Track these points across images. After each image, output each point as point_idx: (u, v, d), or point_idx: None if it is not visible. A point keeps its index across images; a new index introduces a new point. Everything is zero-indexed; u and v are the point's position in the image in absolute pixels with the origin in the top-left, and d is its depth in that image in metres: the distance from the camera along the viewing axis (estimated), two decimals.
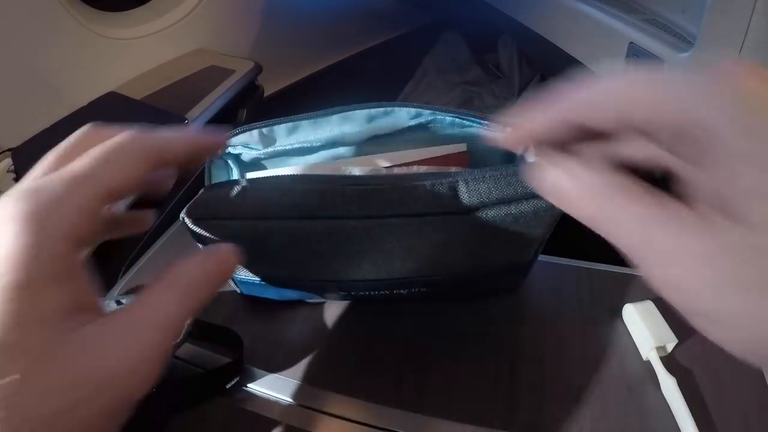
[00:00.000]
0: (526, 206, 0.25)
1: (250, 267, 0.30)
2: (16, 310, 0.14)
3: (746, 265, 0.12)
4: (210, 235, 0.25)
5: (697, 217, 0.13)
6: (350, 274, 0.29)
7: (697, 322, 0.14)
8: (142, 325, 0.17)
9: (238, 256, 0.22)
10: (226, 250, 0.21)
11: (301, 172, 0.32)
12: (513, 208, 0.25)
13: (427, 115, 0.33)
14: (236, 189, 0.24)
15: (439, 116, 0.32)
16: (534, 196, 0.25)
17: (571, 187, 0.15)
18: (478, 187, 0.25)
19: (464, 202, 0.24)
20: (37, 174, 0.18)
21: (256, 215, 0.24)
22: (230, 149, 0.34)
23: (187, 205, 0.24)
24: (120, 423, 0.17)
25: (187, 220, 0.25)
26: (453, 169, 0.32)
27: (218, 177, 0.33)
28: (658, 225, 0.13)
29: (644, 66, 0.15)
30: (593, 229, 0.15)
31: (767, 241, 0.12)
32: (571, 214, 0.16)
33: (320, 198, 0.23)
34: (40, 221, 0.16)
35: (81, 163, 0.17)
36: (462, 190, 0.24)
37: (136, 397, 0.17)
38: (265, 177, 0.25)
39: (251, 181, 0.24)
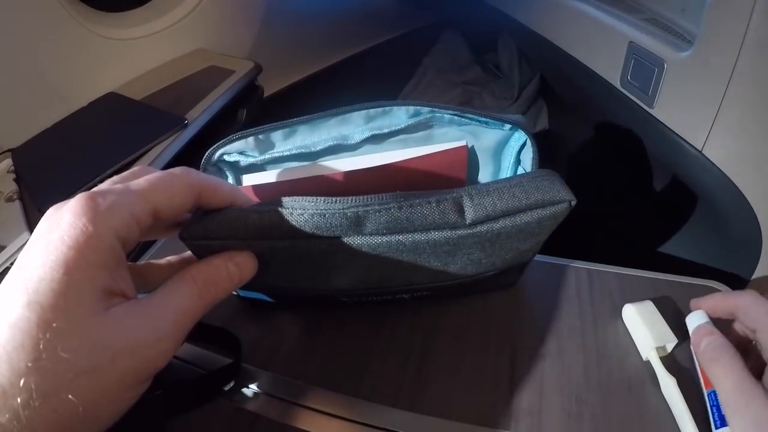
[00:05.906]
0: (530, 217, 0.25)
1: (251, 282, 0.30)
2: (66, 282, 0.17)
3: None
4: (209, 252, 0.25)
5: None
6: (355, 284, 0.29)
7: None
8: (163, 308, 0.20)
9: (255, 261, 0.24)
10: (245, 255, 0.24)
11: (298, 176, 0.32)
12: (517, 219, 0.25)
13: (425, 113, 0.32)
14: (235, 213, 0.23)
15: (438, 114, 0.32)
16: (537, 206, 0.25)
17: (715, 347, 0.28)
18: (483, 201, 0.25)
19: (469, 216, 0.24)
20: (105, 184, 0.21)
21: (257, 236, 0.24)
22: (225, 157, 0.33)
23: (183, 228, 0.24)
24: (135, 396, 0.20)
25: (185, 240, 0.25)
26: (452, 165, 0.32)
27: None
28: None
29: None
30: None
31: None
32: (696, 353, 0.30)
33: (323, 220, 0.23)
34: (98, 217, 0.19)
35: (140, 182, 0.21)
36: (467, 205, 0.25)
37: (151, 370, 0.20)
38: (266, 203, 0.24)
39: (252, 207, 0.24)
